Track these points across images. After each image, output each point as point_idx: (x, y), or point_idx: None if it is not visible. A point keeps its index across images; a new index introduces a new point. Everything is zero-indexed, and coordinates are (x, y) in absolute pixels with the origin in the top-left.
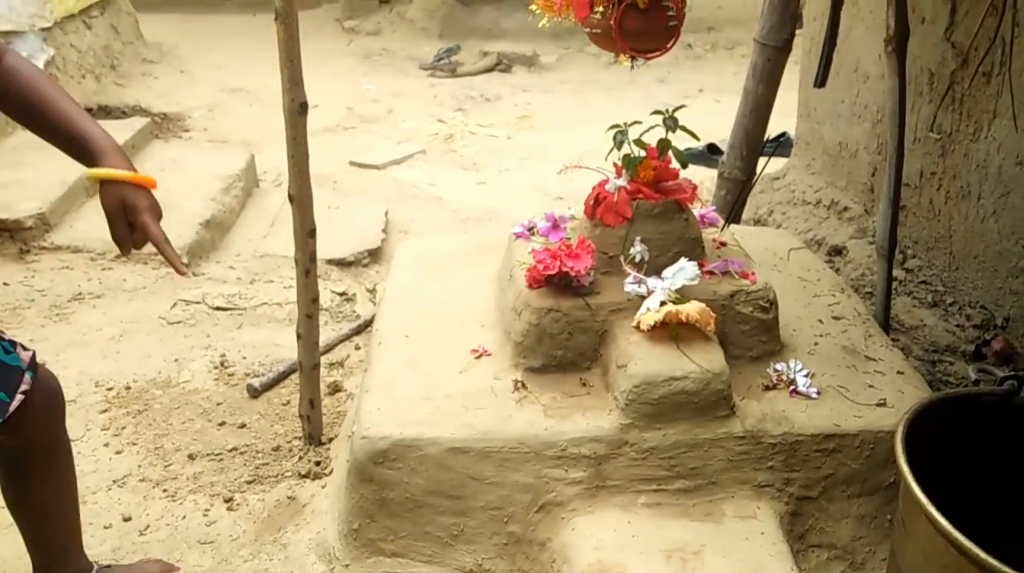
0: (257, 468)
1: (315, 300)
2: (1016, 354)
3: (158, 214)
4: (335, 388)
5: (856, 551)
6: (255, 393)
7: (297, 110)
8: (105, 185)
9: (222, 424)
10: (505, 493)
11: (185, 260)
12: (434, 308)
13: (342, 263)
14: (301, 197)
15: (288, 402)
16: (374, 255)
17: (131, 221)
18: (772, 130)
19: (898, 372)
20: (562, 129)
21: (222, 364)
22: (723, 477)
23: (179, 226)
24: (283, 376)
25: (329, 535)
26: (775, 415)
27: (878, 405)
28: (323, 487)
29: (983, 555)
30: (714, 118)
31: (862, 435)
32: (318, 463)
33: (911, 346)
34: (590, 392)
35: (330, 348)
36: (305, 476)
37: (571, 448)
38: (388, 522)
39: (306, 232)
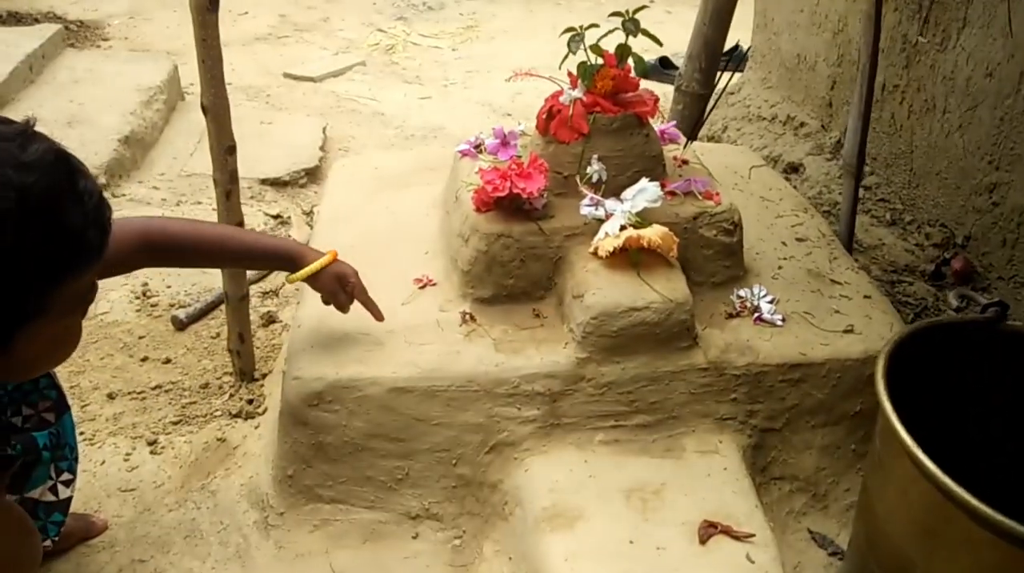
0: (183, 407)
1: (240, 224)
2: (976, 273)
3: (354, 272)
4: (269, 319)
5: (819, 482)
6: (181, 326)
7: (206, 6)
8: (310, 279)
9: (144, 360)
10: (453, 434)
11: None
12: (373, 233)
13: (277, 183)
14: (216, 108)
15: (218, 335)
16: (311, 175)
17: (343, 288)
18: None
19: (865, 296)
20: (509, 40)
21: (144, 294)
22: (684, 411)
23: (95, 143)
24: (211, 307)
25: (262, 481)
26: (739, 345)
27: (845, 332)
28: (256, 428)
29: (971, 499)
30: (666, 30)
31: (829, 364)
32: (250, 401)
33: (869, 266)
34: (544, 324)
35: (263, 276)
36: (236, 416)
37: (524, 385)
38: (325, 467)
39: (224, 149)
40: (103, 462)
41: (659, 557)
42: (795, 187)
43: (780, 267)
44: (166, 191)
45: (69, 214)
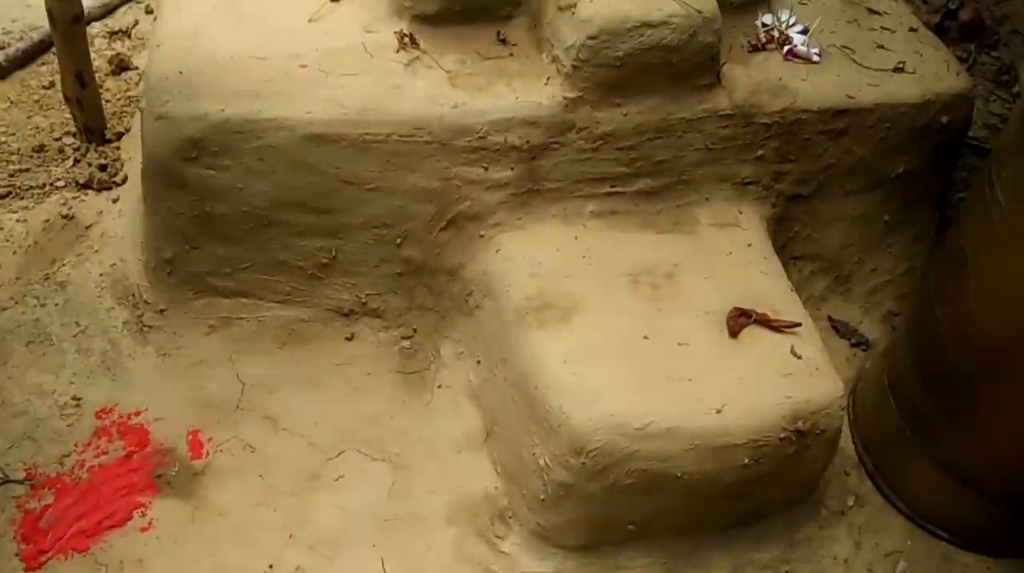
0: (11, 176)
1: None
2: (984, 28)
3: None
4: (120, 64)
5: (843, 262)
6: (1, 72)
7: None
8: None
9: None
10: (397, 203)
11: None
12: None
13: None
14: None
15: (52, 84)
16: None
17: None
18: None
19: (910, 28)
20: None
21: None
22: (697, 173)
23: None
24: (42, 47)
25: (131, 269)
26: (770, 85)
27: (895, 71)
28: (115, 202)
29: None
30: None
31: (879, 110)
32: (103, 167)
33: None
34: (514, 52)
35: (109, 10)
36: (86, 186)
37: (493, 135)
38: (219, 249)
39: None
40: None
41: (683, 354)
42: None
43: None
44: None
45: None
